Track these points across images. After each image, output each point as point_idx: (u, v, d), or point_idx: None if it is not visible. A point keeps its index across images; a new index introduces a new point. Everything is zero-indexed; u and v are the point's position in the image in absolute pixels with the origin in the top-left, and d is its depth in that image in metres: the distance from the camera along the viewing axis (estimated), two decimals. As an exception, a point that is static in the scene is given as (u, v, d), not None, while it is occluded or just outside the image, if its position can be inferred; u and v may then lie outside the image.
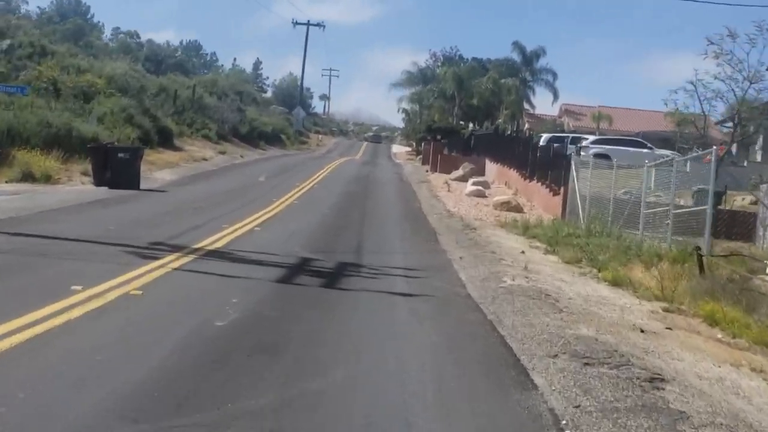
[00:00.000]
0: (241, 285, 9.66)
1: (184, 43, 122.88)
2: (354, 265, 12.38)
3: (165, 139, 34.58)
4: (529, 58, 76.33)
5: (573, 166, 22.97)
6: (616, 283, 12.69)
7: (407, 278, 11.52)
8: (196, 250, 12.15)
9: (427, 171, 40.77)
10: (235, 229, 15.27)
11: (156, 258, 10.98)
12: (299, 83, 75.21)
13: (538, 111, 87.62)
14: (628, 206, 19.31)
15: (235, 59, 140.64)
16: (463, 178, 35.31)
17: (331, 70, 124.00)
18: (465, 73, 68.75)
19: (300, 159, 45.78)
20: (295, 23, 74.87)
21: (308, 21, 75.16)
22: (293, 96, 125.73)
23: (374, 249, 14.75)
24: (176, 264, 10.68)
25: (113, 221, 15.07)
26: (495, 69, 73.40)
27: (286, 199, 22.44)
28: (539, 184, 27.73)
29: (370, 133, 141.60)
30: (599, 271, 14.02)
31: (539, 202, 26.80)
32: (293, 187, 26.15)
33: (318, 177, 32.52)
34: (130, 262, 10.39)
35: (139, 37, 68.92)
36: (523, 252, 15.50)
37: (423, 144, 61.99)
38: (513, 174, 32.83)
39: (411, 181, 34.99)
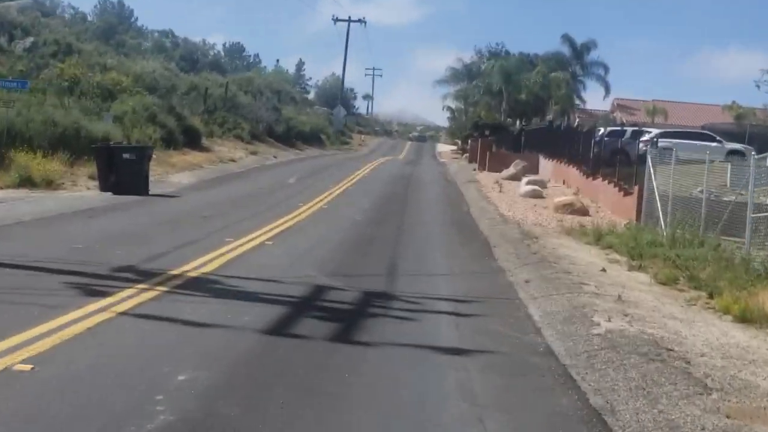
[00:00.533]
0: (207, 342, 6.41)
1: (228, 45, 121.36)
2: (383, 296, 9.06)
3: (191, 140, 31.75)
4: (580, 51, 72.09)
5: (649, 162, 19.28)
6: (744, 318, 9.15)
7: (455, 317, 8.14)
8: (173, 277, 8.98)
9: (474, 170, 37.24)
10: (240, 245, 12.08)
11: (107, 294, 7.80)
12: (341, 81, 71.99)
13: (588, 106, 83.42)
14: (727, 208, 15.62)
15: (278, 61, 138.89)
16: (516, 177, 31.73)
17: (374, 69, 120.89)
18: (512, 67, 64.86)
19: (338, 159, 42.63)
20: (336, 20, 71.92)
21: (349, 17, 72.20)
22: (336, 96, 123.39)
23: (412, 269, 11.38)
24: (129, 304, 7.46)
25: (88, 237, 11.99)
26: (543, 63, 69.33)
27: (314, 204, 19.26)
28: (604, 182, 24.08)
29: (415, 133, 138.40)
30: (710, 296, 10.49)
31: (606, 203, 23.17)
32: (324, 190, 22.97)
33: (355, 178, 29.33)
34: (63, 304, 7.21)
35: (174, 36, 66.88)
36: (603, 270, 11.99)
37: (469, 141, 58.48)
38: (572, 172, 29.16)
39: (457, 181, 31.57)
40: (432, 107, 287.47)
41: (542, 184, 28.05)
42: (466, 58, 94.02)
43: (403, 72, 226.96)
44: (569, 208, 21.48)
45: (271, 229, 14.27)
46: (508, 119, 67.08)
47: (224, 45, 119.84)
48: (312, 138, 53.07)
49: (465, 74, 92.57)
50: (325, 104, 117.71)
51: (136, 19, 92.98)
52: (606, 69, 73.59)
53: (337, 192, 23.21)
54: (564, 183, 30.01)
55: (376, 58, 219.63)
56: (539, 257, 13.03)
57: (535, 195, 25.23)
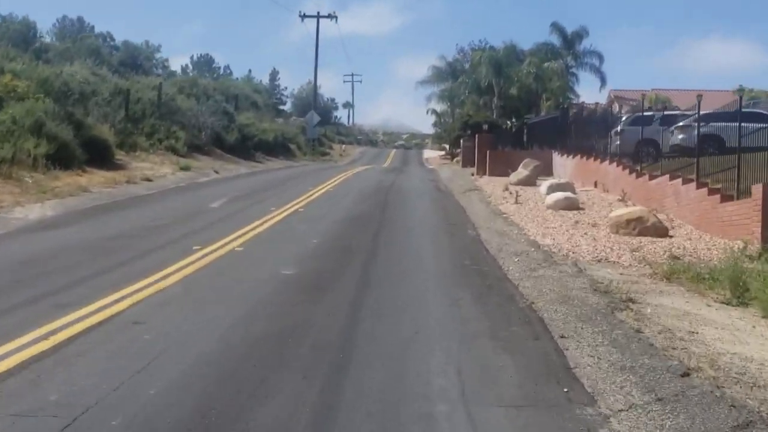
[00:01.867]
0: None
1: (195, 57, 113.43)
2: None
3: (99, 155, 23.52)
4: (571, 41, 64.24)
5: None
6: None
7: None
8: None
9: (473, 175, 29.17)
10: None
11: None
12: (313, 84, 63.87)
13: (583, 99, 76.01)
14: None
15: (250, 71, 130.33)
16: (529, 181, 23.71)
17: (353, 75, 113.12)
18: (503, 57, 56.93)
19: (305, 171, 34.48)
20: (303, 16, 63.78)
21: (318, 13, 64.09)
22: (317, 107, 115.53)
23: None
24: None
25: None
26: (533, 56, 61.54)
27: (221, 246, 11.10)
28: (674, 182, 16.04)
29: (401, 142, 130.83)
30: None
31: (682, 213, 15.11)
32: (257, 217, 14.78)
33: (315, 193, 21.29)
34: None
35: (113, 39, 58.51)
36: None
37: (461, 142, 50.80)
38: (610, 170, 21.08)
39: (453, 191, 23.54)
40: (417, 116, 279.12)
41: (570, 188, 19.97)
42: (450, 57, 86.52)
43: (386, 82, 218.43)
44: (637, 226, 13.38)
45: (64, 326, 6.08)
46: (500, 118, 59.08)
47: (191, 58, 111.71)
48: (278, 148, 44.89)
49: (449, 73, 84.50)
50: (303, 114, 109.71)
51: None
52: (600, 58, 65.69)
53: (277, 218, 15.00)
54: (597, 185, 21.94)
55: (357, 68, 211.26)
56: (696, 382, 4.93)
57: (570, 206, 17.10)
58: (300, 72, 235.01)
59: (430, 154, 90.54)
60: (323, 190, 22.61)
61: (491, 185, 23.79)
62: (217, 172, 27.54)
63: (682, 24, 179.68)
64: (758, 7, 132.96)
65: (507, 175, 26.48)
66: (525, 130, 36.40)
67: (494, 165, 27.90)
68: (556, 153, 27.71)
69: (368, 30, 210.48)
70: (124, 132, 27.73)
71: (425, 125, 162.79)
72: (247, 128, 38.41)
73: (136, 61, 49.53)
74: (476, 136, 30.52)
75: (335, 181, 26.90)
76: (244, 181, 25.21)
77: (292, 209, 16.78)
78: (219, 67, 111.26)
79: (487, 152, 28.45)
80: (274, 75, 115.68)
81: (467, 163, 37.74)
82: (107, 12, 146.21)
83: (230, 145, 35.06)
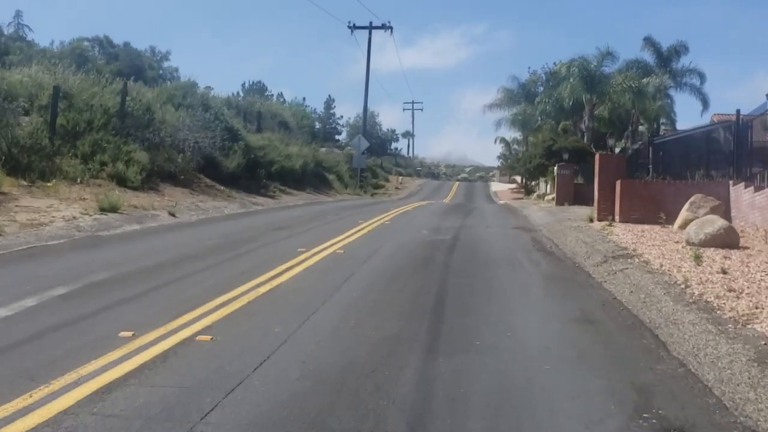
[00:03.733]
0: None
1: (247, 84, 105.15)
2: None
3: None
4: (667, 58, 52.31)
5: None
6: None
7: None
8: None
9: (592, 221, 17.17)
10: None
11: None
12: (363, 102, 53.29)
13: (679, 125, 63.89)
14: None
15: (304, 99, 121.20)
16: (729, 238, 12.16)
17: (413, 102, 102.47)
18: (597, 68, 45.22)
19: (332, 209, 23.37)
20: (353, 27, 53.65)
21: (370, 23, 53.83)
22: (371, 135, 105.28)
23: None
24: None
25: None
26: (620, 76, 49.79)
27: None
28: None
29: (464, 174, 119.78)
30: None
31: None
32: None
33: (296, 267, 10.23)
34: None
35: (112, 46, 48.74)
36: None
37: (556, 171, 39.70)
38: None
39: (576, 254, 12.19)
40: (482, 148, 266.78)
41: None
42: (522, 78, 75.13)
43: (450, 115, 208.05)
44: None
45: None
46: (591, 143, 47.21)
47: (243, 84, 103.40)
48: (309, 179, 34.25)
49: (522, 95, 72.94)
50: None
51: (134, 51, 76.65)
52: (702, 78, 53.49)
53: (113, 375, 4.24)
54: None
55: (421, 100, 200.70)
56: None
57: None
58: (358, 102, 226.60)
59: (499, 187, 78.87)
60: (324, 253, 11.58)
61: (646, 242, 12.36)
62: (173, 215, 16.72)
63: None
64: None
65: (657, 221, 14.96)
66: (650, 154, 24.63)
67: (630, 204, 16.26)
68: (739, 185, 15.98)
69: (433, 63, 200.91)
70: (36, 151, 17.35)
71: (489, 158, 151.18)
72: (259, 152, 27.79)
73: (136, 68, 39.70)
74: (598, 157, 18.47)
75: (365, 227, 15.89)
76: (193, 233, 14.17)
77: (189, 332, 5.90)
78: (272, 95, 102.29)
79: (618, 184, 16.71)
80: (329, 103, 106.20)
81: (564, 198, 26.21)
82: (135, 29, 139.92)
83: (229, 173, 24.43)
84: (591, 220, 16.54)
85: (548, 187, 55.38)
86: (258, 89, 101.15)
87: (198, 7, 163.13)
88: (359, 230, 15.36)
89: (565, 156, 30.66)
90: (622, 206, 15.95)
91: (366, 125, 56.48)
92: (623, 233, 13.91)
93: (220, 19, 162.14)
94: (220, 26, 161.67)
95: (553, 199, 31.68)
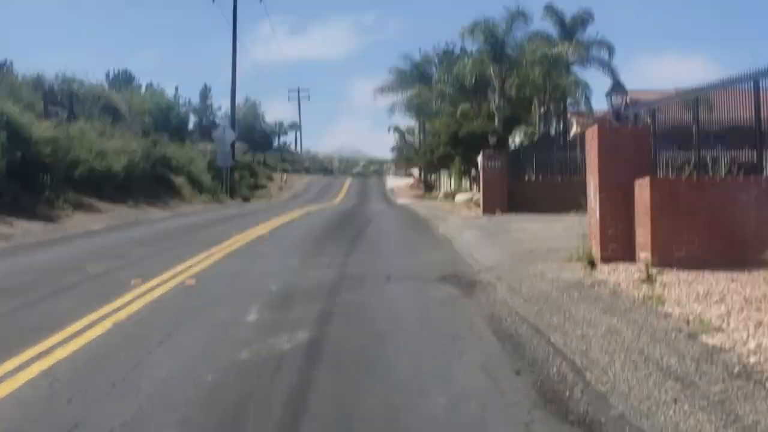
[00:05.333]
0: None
1: (112, 74, 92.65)
2: None
3: None
4: (571, 28, 45.38)
5: None
6: None
7: None
8: None
9: (592, 263, 8.48)
10: None
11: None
12: (231, 83, 43.02)
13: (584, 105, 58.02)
14: None
15: (177, 88, 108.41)
16: None
17: (299, 90, 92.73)
18: (506, 31, 37.32)
19: (133, 238, 14.20)
20: (214, -5, 43.71)
21: (235, -9, 44.08)
22: (253, 129, 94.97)
23: None
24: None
25: None
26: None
27: None
28: None
29: (357, 169, 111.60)
30: None
31: None
32: None
33: None
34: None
35: None
36: None
37: (481, 162, 31.96)
38: None
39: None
40: (375, 141, 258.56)
41: None
42: (416, 57, 67.30)
43: (341, 108, 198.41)
44: None
45: None
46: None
47: (107, 74, 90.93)
48: (141, 185, 24.63)
49: (416, 76, 65.16)
50: (241, 139, 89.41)
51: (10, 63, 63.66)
52: (611, 50, 46.76)
53: None
54: None
55: (311, 94, 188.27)
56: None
57: None
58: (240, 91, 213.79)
59: (395, 182, 70.62)
60: None
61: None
62: None
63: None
64: None
65: (745, 261, 6.90)
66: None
67: (674, 227, 7.73)
68: None
69: (323, 53, 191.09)
70: None
71: (384, 150, 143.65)
72: (44, 147, 18.09)
73: None
74: (596, 134, 9.37)
75: (112, 315, 7.03)
76: None
77: None
78: (140, 86, 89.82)
79: (643, 185, 8.03)
80: (205, 92, 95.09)
81: (495, 202, 18.00)
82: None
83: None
84: (591, 263, 8.19)
85: (452, 182, 47.77)
86: (124, 79, 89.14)
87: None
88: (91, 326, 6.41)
89: (492, 140, 22.67)
90: (657, 232, 7.65)
91: (235, 112, 46.83)
92: (721, 318, 5.62)
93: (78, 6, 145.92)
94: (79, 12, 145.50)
95: (471, 201, 23.56)
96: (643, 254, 8.08)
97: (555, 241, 10.97)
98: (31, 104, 22.97)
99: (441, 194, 33.93)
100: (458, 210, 21.48)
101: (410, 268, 9.90)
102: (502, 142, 35.71)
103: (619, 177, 8.49)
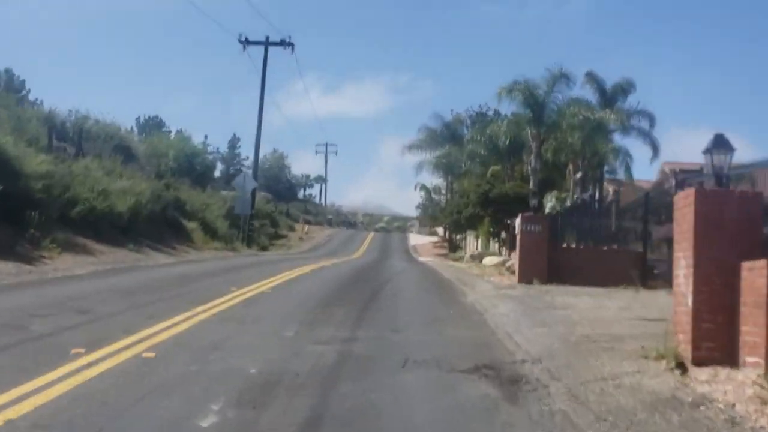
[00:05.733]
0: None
1: (142, 119, 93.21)
2: None
3: None
4: (611, 96, 43.83)
5: None
6: None
7: None
8: None
9: (682, 367, 6.33)
10: None
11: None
12: (256, 132, 41.74)
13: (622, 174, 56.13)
14: None
15: (206, 137, 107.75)
16: None
17: (326, 145, 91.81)
18: (547, 93, 35.55)
19: (114, 289, 12.36)
20: (245, 42, 42.86)
21: (267, 38, 43.22)
22: (279, 179, 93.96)
23: None
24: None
25: None
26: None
27: None
28: None
29: (381, 224, 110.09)
30: None
31: None
32: None
33: None
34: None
35: None
36: None
37: (519, 225, 30.01)
38: None
39: None
40: (401, 198, 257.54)
41: None
42: (447, 117, 66.04)
43: (368, 164, 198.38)
44: None
45: None
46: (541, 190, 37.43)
47: (137, 119, 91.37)
48: (147, 227, 22.90)
49: (446, 136, 63.78)
50: (266, 189, 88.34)
51: (28, 91, 63.40)
52: (652, 121, 45.23)
53: None
54: None
55: (340, 144, 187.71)
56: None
57: None
58: (268, 142, 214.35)
59: (418, 239, 68.59)
60: None
61: None
62: None
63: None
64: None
65: None
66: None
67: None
68: None
69: (354, 110, 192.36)
70: None
71: (408, 208, 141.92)
72: (35, 182, 16.30)
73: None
74: (697, 202, 7.31)
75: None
76: None
77: None
78: (169, 131, 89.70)
79: None
80: (234, 142, 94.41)
81: (533, 270, 15.83)
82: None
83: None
84: (679, 365, 5.98)
85: (479, 243, 45.68)
86: (154, 124, 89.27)
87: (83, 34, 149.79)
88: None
89: (533, 202, 20.66)
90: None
91: (258, 161, 45.43)
92: None
93: (111, 48, 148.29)
94: (112, 56, 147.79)
95: (503, 266, 21.38)
96: (753, 359, 5.92)
97: (615, 325, 8.82)
98: (35, 138, 21.45)
99: (467, 255, 31.83)
100: (488, 275, 19.32)
101: (433, 348, 7.80)
102: (537, 206, 33.71)
103: (721, 255, 6.38)
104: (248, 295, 11.91)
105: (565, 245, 19.36)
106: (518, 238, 16.35)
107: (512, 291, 14.15)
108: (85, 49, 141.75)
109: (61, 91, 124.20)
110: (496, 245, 35.24)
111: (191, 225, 27.27)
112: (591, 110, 37.16)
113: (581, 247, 18.65)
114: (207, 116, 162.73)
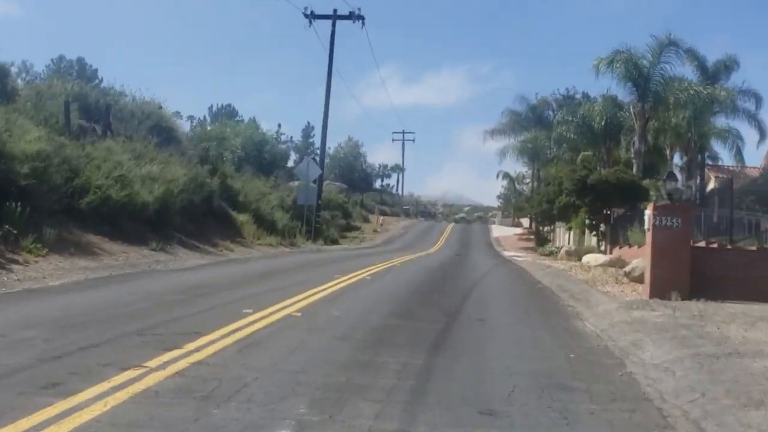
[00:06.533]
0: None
1: (215, 108, 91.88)
2: None
3: None
4: (713, 74, 38.08)
5: None
6: None
7: None
8: None
9: None
10: None
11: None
12: (324, 109, 37.74)
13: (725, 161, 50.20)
14: None
15: (279, 125, 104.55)
16: None
17: (404, 133, 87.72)
18: (653, 62, 30.15)
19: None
20: (312, 16, 39.16)
21: (335, 11, 39.42)
22: (354, 169, 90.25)
23: None
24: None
25: None
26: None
27: None
28: None
29: (461, 214, 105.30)
30: None
31: None
32: None
33: None
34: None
35: None
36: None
37: (603, 221, 25.49)
38: None
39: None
40: (481, 188, 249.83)
41: None
42: (533, 99, 60.75)
43: (451, 153, 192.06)
44: None
45: None
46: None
47: (210, 108, 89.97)
48: (183, 221, 19.32)
49: (531, 120, 58.70)
50: (340, 178, 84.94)
51: (100, 80, 62.12)
52: (758, 100, 39.27)
53: None
54: None
55: (419, 134, 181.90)
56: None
57: None
58: (342, 131, 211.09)
59: (501, 231, 63.56)
60: None
61: None
62: None
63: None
64: None
65: None
66: None
67: None
68: None
69: (435, 100, 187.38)
70: None
71: (489, 198, 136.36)
72: (19, 165, 12.94)
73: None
74: None
75: None
76: None
77: None
78: (242, 120, 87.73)
79: None
80: (308, 131, 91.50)
81: (671, 280, 11.26)
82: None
83: None
84: None
85: (572, 237, 40.66)
86: (227, 113, 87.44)
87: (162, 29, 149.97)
88: None
89: (671, 185, 15.90)
90: None
91: (325, 147, 41.71)
92: None
93: (185, 39, 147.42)
94: (187, 48, 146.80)
95: (613, 266, 16.78)
96: None
97: None
98: (53, 116, 18.16)
99: (562, 251, 27.10)
100: (599, 281, 14.79)
101: None
102: (644, 195, 28.65)
103: None
104: (264, 322, 7.95)
105: (702, 244, 14.67)
106: (649, 235, 11.77)
107: (650, 313, 9.67)
108: (159, 38, 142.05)
109: (135, 80, 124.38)
110: (594, 239, 30.33)
111: (242, 217, 23.65)
112: (701, 85, 31.77)
113: (728, 247, 13.89)
114: (283, 106, 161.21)
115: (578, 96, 56.07)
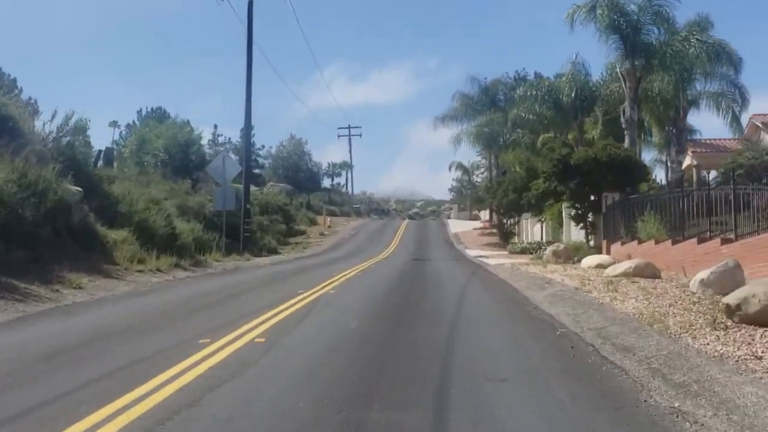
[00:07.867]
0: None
1: (145, 111, 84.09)
2: None
3: None
4: (685, 38, 32.47)
5: None
6: None
7: None
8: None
9: None
10: None
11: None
12: (245, 91, 30.71)
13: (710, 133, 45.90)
14: None
15: (216, 126, 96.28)
16: None
17: (350, 127, 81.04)
18: (642, 11, 24.03)
19: None
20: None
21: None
22: (299, 168, 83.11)
23: None
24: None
25: None
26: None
27: None
28: None
29: (414, 210, 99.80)
30: None
31: None
32: None
33: None
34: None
35: None
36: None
37: (592, 209, 19.21)
38: None
39: None
40: (432, 182, 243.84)
41: None
42: (484, 80, 54.55)
43: (401, 149, 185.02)
44: None
45: None
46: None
47: (139, 111, 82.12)
48: (15, 248, 12.59)
49: (485, 103, 52.58)
50: (285, 180, 77.81)
51: (20, 90, 53.86)
52: (737, 65, 33.76)
53: None
54: None
55: (368, 131, 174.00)
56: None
57: None
58: (285, 128, 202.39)
59: (459, 226, 57.17)
60: None
61: None
62: None
63: None
64: None
65: None
66: None
67: None
68: None
69: (382, 98, 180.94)
70: None
71: (441, 191, 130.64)
72: None
73: None
74: None
75: None
76: None
77: None
78: (174, 122, 79.80)
79: None
80: (247, 132, 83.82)
81: None
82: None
83: None
84: None
85: (546, 229, 34.57)
86: (157, 116, 79.52)
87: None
88: None
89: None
90: None
91: (250, 142, 34.93)
92: None
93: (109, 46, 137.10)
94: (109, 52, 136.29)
95: (640, 275, 10.51)
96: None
97: None
98: None
99: (548, 252, 20.68)
100: (671, 318, 8.41)
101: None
102: (642, 174, 22.53)
103: None
104: None
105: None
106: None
107: None
108: (82, 46, 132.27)
109: (60, 90, 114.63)
110: (580, 232, 24.15)
111: (117, 235, 16.66)
112: (700, 35, 25.89)
113: None
114: (222, 108, 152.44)
115: (530, 78, 50.33)
